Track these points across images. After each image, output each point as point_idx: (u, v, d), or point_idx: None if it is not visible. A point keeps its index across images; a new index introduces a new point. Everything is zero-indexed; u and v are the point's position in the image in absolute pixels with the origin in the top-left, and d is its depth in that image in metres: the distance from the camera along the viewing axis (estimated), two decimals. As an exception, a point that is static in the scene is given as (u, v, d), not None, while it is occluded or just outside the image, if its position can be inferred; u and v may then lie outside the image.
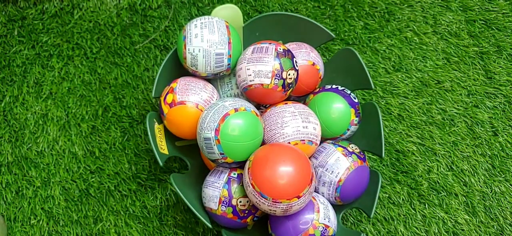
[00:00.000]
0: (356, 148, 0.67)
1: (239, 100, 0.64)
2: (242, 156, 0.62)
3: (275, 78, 0.63)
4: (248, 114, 0.62)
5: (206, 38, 0.65)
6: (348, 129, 0.68)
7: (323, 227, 0.62)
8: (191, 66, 0.66)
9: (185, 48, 0.66)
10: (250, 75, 0.64)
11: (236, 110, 0.61)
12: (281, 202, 0.59)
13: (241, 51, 0.68)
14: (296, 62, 0.66)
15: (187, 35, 0.66)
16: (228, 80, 0.71)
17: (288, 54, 0.65)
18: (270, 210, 0.60)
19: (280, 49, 0.65)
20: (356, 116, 0.68)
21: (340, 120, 0.68)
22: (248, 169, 0.60)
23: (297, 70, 0.65)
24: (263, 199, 0.59)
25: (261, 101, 0.66)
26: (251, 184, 0.59)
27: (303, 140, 0.64)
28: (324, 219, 0.62)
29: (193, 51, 0.65)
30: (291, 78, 0.65)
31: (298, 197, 0.59)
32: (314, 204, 0.63)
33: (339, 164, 0.65)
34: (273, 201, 0.59)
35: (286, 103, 0.66)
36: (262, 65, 0.63)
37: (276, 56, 0.64)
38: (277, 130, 0.64)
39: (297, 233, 0.62)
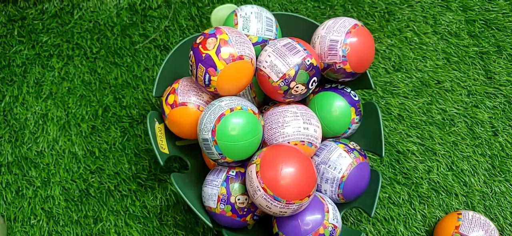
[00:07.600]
0: (356, 145, 0.67)
1: (236, 99, 0.63)
2: (241, 155, 0.62)
3: (283, 81, 0.62)
4: (244, 113, 0.61)
5: (257, 5, 0.69)
6: (349, 128, 0.68)
7: (332, 228, 0.62)
8: (243, 30, 0.67)
9: (235, 16, 0.68)
10: (267, 62, 0.63)
11: (231, 109, 0.61)
12: (294, 203, 0.59)
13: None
14: (314, 82, 0.64)
15: (237, 9, 0.69)
16: None
17: (313, 69, 0.63)
18: (281, 212, 0.60)
19: (308, 60, 0.62)
20: (357, 115, 0.68)
21: (341, 119, 0.68)
22: (257, 172, 0.59)
23: (308, 89, 0.64)
24: (276, 201, 0.59)
25: (263, 88, 0.66)
26: (263, 188, 0.59)
27: (303, 141, 0.64)
28: (333, 219, 0.62)
29: (245, 14, 0.67)
30: (296, 91, 0.63)
31: (309, 196, 0.59)
32: (324, 204, 0.63)
33: (342, 161, 0.65)
34: (286, 203, 0.59)
35: (289, 103, 0.66)
36: (280, 62, 0.62)
37: (298, 63, 0.62)
38: (278, 129, 0.63)
39: (307, 232, 0.62)
